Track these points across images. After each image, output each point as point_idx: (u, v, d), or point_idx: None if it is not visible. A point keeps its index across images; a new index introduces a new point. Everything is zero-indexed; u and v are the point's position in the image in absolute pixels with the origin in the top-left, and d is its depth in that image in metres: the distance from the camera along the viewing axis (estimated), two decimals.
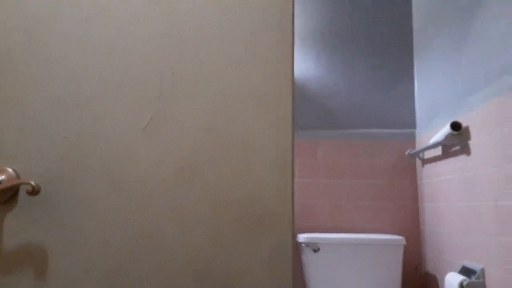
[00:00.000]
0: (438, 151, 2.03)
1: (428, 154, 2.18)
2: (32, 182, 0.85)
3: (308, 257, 2.06)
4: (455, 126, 1.73)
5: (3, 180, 0.88)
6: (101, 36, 0.95)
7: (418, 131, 2.34)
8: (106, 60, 0.94)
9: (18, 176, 0.91)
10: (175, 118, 0.92)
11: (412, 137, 2.36)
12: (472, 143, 1.66)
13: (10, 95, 0.94)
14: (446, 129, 1.76)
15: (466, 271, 1.64)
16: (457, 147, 1.80)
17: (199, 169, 0.90)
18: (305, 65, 2.47)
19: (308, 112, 2.44)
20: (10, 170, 0.90)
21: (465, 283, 1.52)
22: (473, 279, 1.55)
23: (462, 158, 1.75)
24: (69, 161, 0.91)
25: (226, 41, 0.94)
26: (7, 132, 0.93)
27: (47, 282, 0.89)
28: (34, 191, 0.86)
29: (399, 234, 2.29)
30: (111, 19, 0.96)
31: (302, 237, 2.08)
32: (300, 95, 2.46)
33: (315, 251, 2.04)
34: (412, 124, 2.38)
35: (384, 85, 2.43)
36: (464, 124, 1.73)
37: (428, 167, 2.16)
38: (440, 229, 1.99)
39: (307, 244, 2.05)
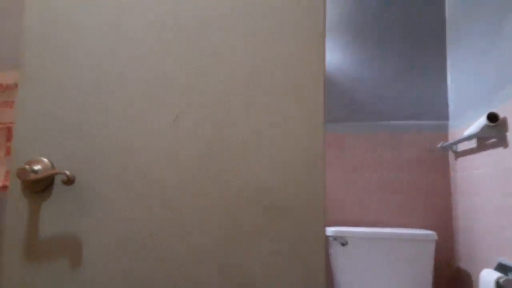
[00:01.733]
0: (472, 143, 1.96)
1: (461, 147, 2.11)
2: (67, 172, 0.87)
3: (336, 251, 2.04)
4: (492, 117, 1.66)
5: (39, 170, 0.90)
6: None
7: (451, 123, 2.26)
8: (125, 59, 0.95)
9: (53, 166, 0.92)
10: (193, 107, 0.92)
11: (444, 129, 2.29)
12: (509, 135, 1.60)
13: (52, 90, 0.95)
14: (482, 121, 1.69)
15: (502, 267, 1.58)
16: (494, 140, 1.73)
17: (221, 157, 0.90)
18: (331, 57, 2.43)
19: (335, 104, 2.40)
20: (45, 160, 0.92)
21: (501, 280, 1.47)
22: (510, 276, 1.49)
23: (499, 151, 1.68)
24: (101, 155, 0.93)
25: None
26: (44, 126, 0.94)
27: (80, 271, 0.90)
28: (69, 181, 0.87)
29: (430, 229, 2.24)
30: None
31: (330, 231, 2.06)
32: (327, 87, 2.42)
33: (343, 244, 2.01)
34: (445, 116, 2.31)
35: (415, 77, 2.36)
36: (501, 116, 1.66)
37: (462, 160, 2.09)
38: (474, 224, 1.92)
39: (335, 238, 2.03)
